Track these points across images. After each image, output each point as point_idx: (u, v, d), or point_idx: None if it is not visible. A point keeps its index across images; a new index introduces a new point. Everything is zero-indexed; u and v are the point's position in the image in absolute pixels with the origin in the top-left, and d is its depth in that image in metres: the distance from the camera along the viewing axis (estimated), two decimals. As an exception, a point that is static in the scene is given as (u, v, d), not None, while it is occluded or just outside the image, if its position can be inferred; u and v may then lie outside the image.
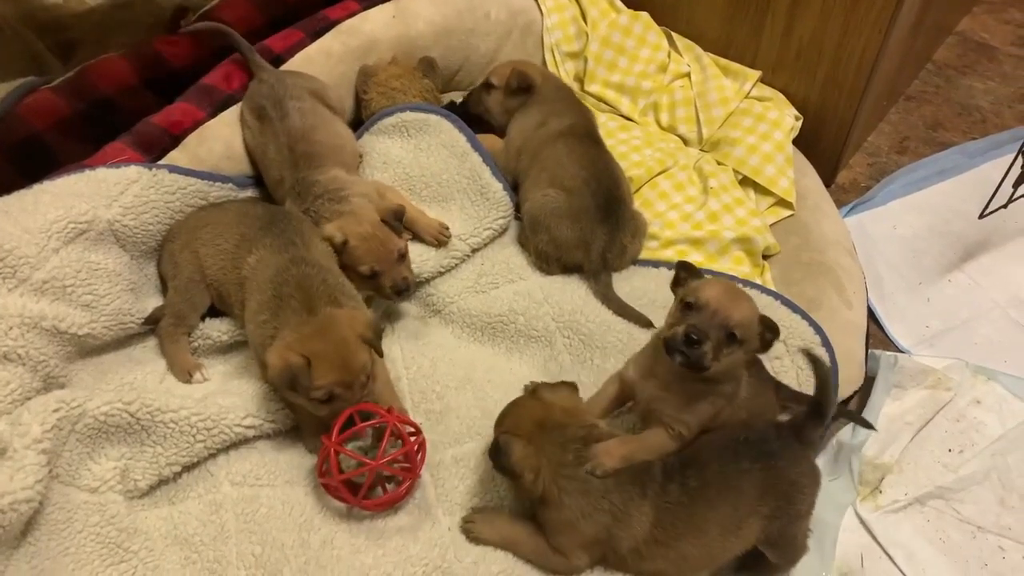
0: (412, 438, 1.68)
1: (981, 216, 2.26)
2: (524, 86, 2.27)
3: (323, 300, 1.71)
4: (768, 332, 1.48)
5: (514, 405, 1.64)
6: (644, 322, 1.95)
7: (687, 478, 1.53)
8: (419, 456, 1.67)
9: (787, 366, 1.89)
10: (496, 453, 1.55)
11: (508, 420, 1.61)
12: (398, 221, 1.91)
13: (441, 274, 2.08)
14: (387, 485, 1.69)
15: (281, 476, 1.69)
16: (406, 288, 1.89)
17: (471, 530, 1.64)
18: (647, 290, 2.05)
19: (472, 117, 2.35)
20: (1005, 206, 2.25)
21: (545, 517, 1.57)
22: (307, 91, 2.12)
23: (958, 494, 1.88)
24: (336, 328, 1.62)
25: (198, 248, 1.89)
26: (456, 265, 2.10)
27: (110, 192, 1.85)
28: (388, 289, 1.89)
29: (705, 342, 1.44)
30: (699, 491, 1.52)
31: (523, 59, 2.50)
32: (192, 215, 1.97)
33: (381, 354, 1.70)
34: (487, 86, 2.34)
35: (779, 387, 1.80)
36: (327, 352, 1.58)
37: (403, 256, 1.91)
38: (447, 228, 2.07)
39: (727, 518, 1.52)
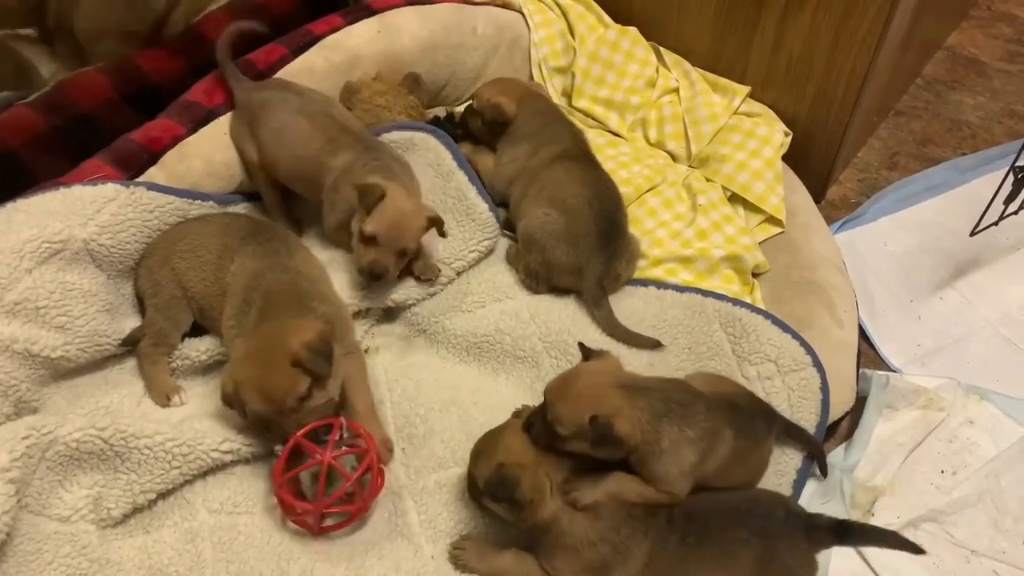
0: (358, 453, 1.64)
1: (972, 234, 2.23)
2: (500, 120, 2.22)
3: (284, 307, 1.67)
4: (596, 437, 1.43)
5: (500, 433, 1.59)
6: (651, 344, 1.93)
7: (688, 534, 1.49)
8: (376, 479, 1.63)
9: (778, 387, 1.87)
10: (500, 486, 1.48)
11: (501, 451, 1.54)
12: (431, 226, 1.92)
13: (427, 298, 2.05)
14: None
15: (260, 503, 1.66)
16: (378, 276, 1.87)
17: (459, 558, 1.60)
18: (635, 309, 2.02)
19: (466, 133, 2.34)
20: (996, 223, 2.22)
21: (544, 541, 1.54)
22: (298, 85, 2.13)
23: (951, 517, 1.85)
24: (268, 350, 1.58)
25: (176, 262, 1.85)
26: (441, 290, 2.06)
27: (86, 210, 1.81)
28: (365, 264, 1.86)
29: (531, 429, 1.53)
30: (696, 550, 1.49)
31: (508, 77, 2.46)
32: (170, 230, 1.94)
33: (326, 375, 1.60)
34: (471, 110, 2.31)
35: (773, 419, 1.76)
36: (251, 379, 1.55)
37: (403, 255, 1.89)
38: (439, 272, 2.04)
39: None
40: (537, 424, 1.52)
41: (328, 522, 1.63)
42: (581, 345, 1.65)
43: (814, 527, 1.54)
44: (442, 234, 1.96)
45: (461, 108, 2.54)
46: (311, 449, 1.58)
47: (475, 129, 2.30)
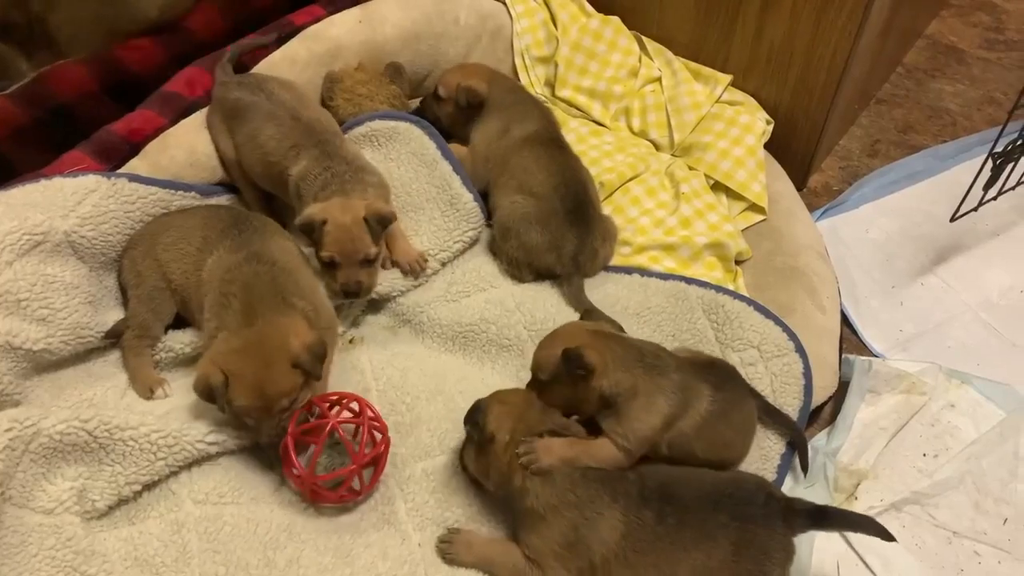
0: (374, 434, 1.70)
1: (952, 220, 2.25)
2: (475, 103, 2.23)
3: (268, 303, 1.67)
4: (567, 364, 1.56)
5: (505, 390, 1.68)
6: (614, 327, 1.93)
7: (665, 513, 1.51)
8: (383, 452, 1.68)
9: (760, 373, 1.88)
10: (470, 412, 1.58)
11: (497, 393, 1.64)
12: (379, 226, 1.87)
13: (412, 289, 2.05)
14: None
15: (246, 493, 1.65)
16: (355, 292, 1.87)
17: (447, 551, 1.61)
18: (619, 297, 2.02)
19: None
20: (975, 209, 2.24)
21: (517, 513, 1.57)
22: (276, 81, 2.11)
23: (933, 499, 1.87)
24: (265, 347, 1.58)
25: (160, 254, 1.85)
26: (426, 280, 2.07)
27: (67, 202, 1.80)
28: (338, 286, 1.87)
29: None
30: (675, 530, 1.50)
31: (468, 62, 2.46)
32: (154, 221, 1.93)
33: (318, 378, 1.65)
34: (436, 97, 2.30)
35: (754, 391, 1.78)
36: (247, 374, 1.55)
37: (369, 261, 1.88)
38: (426, 260, 2.03)
39: (700, 565, 1.50)
40: (531, 377, 1.68)
41: (367, 480, 1.67)
42: (587, 312, 1.77)
43: (792, 512, 1.55)
44: (388, 223, 1.92)
45: (452, 67, 2.51)
46: (314, 432, 1.63)
47: (444, 117, 2.29)
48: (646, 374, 1.59)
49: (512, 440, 1.55)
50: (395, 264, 2.03)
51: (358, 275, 1.87)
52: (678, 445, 1.61)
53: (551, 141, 2.17)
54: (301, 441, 1.64)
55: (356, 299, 1.93)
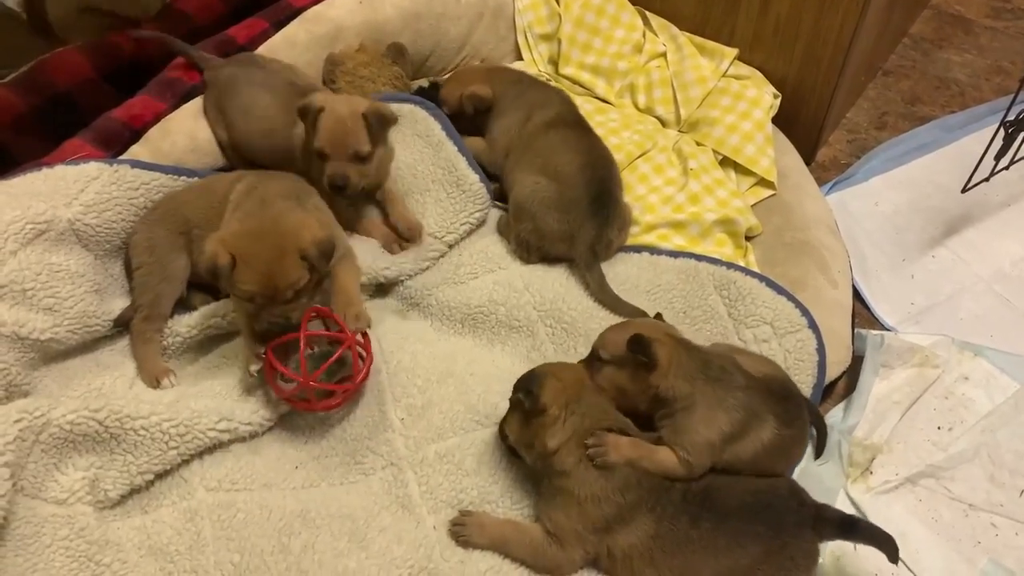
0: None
1: (963, 191, 2.23)
2: (482, 107, 2.20)
3: (283, 199, 1.68)
4: (633, 347, 1.54)
5: (558, 364, 1.66)
6: (638, 314, 1.91)
7: (702, 518, 1.49)
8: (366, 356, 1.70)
9: (774, 349, 1.87)
10: (527, 378, 1.56)
11: (551, 366, 1.62)
12: (378, 125, 1.86)
13: (420, 272, 2.03)
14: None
15: (258, 480, 1.64)
16: (341, 186, 1.85)
17: (460, 533, 1.60)
18: (629, 275, 2.01)
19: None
20: (987, 179, 2.22)
21: (550, 487, 1.55)
22: (268, 57, 2.11)
23: (948, 472, 1.86)
24: (276, 233, 1.57)
25: (184, 197, 1.87)
26: (433, 263, 2.05)
27: (69, 190, 1.79)
28: (326, 178, 1.85)
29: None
30: (709, 535, 1.49)
31: (461, 70, 2.44)
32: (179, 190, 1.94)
33: (324, 273, 1.64)
34: (451, 116, 2.24)
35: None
36: (255, 258, 1.54)
37: (361, 159, 1.86)
38: (421, 230, 2.02)
39: (725, 570, 1.49)
40: (589, 355, 1.66)
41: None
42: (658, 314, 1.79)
43: (821, 520, 1.54)
44: (389, 123, 1.91)
45: (446, 78, 2.50)
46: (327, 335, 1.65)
47: (463, 128, 2.25)
48: (707, 385, 1.54)
49: (563, 416, 1.53)
50: (391, 228, 2.02)
51: (346, 169, 1.85)
52: (731, 467, 1.57)
53: (576, 123, 2.14)
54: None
55: (342, 195, 1.90)
